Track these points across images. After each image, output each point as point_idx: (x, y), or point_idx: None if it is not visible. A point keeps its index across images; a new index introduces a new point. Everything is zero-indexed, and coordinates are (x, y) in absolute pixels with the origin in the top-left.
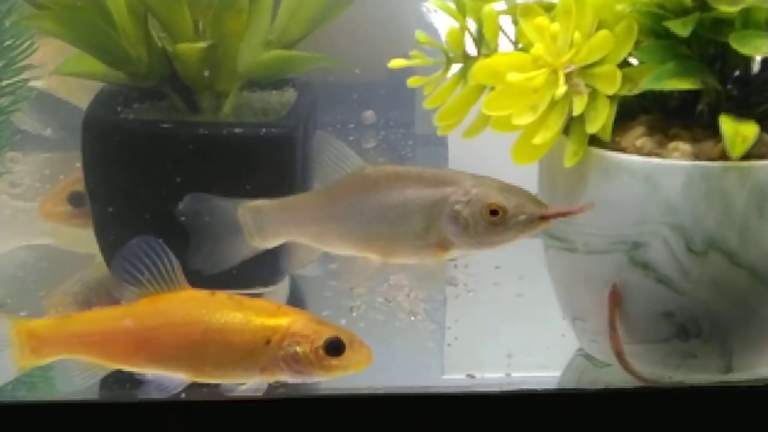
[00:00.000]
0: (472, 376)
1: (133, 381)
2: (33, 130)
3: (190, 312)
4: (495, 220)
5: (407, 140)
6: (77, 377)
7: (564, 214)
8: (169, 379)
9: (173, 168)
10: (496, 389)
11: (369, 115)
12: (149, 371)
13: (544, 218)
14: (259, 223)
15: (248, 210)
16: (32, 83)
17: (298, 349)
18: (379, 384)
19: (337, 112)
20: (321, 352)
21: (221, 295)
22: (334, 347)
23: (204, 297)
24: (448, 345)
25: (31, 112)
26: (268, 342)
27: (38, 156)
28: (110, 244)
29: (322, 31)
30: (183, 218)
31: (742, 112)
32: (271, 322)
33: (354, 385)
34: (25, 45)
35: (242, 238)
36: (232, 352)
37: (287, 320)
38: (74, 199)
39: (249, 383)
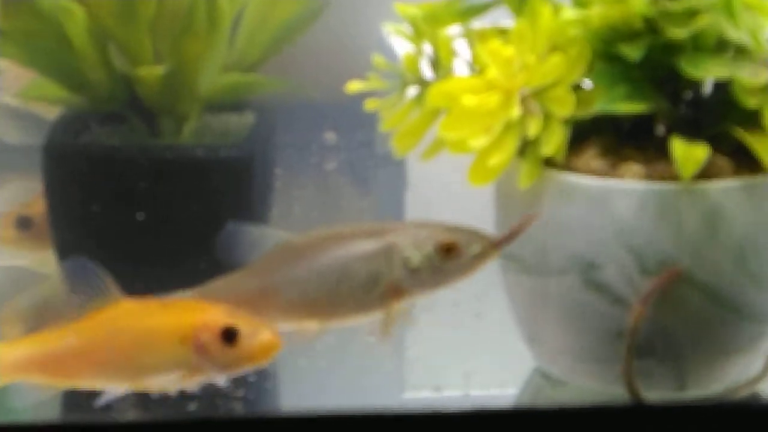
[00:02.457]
0: (438, 389)
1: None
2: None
3: (120, 323)
4: (448, 257)
5: (368, 161)
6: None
7: (512, 237)
8: (112, 390)
9: (133, 192)
10: (456, 408)
11: (330, 136)
12: (98, 386)
13: (495, 246)
14: None
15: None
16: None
17: (201, 340)
18: (339, 403)
19: (298, 134)
20: (219, 341)
21: (151, 302)
22: (228, 335)
23: (132, 306)
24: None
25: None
26: (184, 340)
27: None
28: None
29: (283, 54)
30: None
31: (693, 133)
32: (184, 319)
33: (319, 406)
34: None
35: None
36: (157, 355)
37: (198, 314)
38: (21, 223)
39: (178, 386)
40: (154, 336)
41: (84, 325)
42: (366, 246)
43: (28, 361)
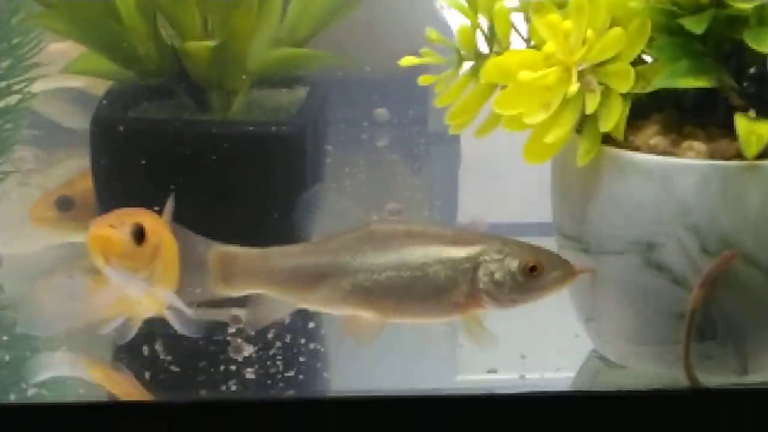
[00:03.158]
0: (494, 371)
1: None
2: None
3: None
4: (533, 276)
5: (420, 138)
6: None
7: (586, 270)
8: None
9: (181, 167)
10: (511, 391)
11: (381, 112)
12: None
13: (575, 273)
14: (227, 271)
15: (217, 255)
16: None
17: None
18: (393, 386)
19: (349, 110)
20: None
21: None
22: (137, 234)
23: None
24: (461, 346)
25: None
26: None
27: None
28: None
29: (335, 28)
30: None
31: (758, 109)
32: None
33: (369, 387)
34: (33, 43)
35: (207, 282)
36: None
37: None
38: (62, 204)
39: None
40: None
41: None
42: (451, 251)
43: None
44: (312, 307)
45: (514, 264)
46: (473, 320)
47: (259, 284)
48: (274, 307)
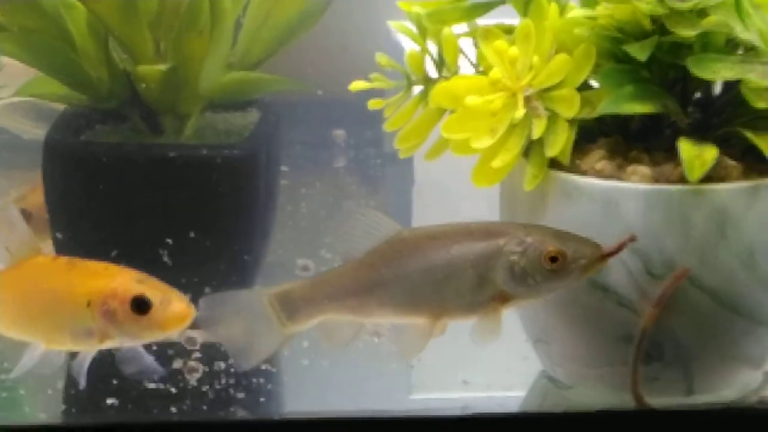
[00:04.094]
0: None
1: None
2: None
3: (33, 278)
4: (555, 267)
5: (376, 159)
6: None
7: (617, 251)
8: (29, 348)
9: (134, 191)
10: (460, 412)
11: (339, 134)
12: (16, 337)
13: (604, 258)
14: (290, 308)
15: (275, 297)
16: None
17: (110, 307)
18: (345, 406)
19: (307, 131)
20: (128, 309)
21: (60, 260)
22: (139, 305)
23: (45, 262)
24: (412, 366)
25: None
26: (88, 304)
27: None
28: None
29: (292, 51)
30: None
31: (702, 134)
32: (92, 282)
33: (321, 409)
34: None
35: (273, 326)
36: (59, 316)
37: (106, 280)
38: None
39: (82, 353)
40: (60, 297)
41: (9, 274)
42: (474, 247)
43: None
44: (374, 319)
45: (535, 254)
46: (494, 317)
47: (320, 312)
48: (347, 327)
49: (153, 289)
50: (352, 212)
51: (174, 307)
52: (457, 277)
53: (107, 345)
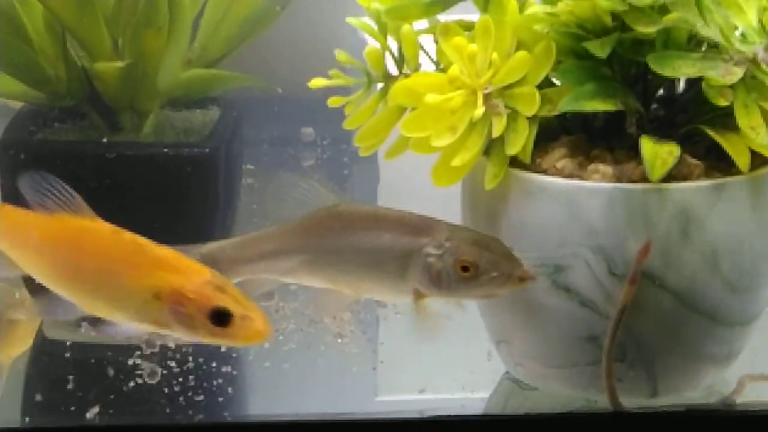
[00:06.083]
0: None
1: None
2: None
3: (89, 242)
4: (466, 276)
5: (342, 157)
6: None
7: (534, 278)
8: (68, 305)
9: (91, 189)
10: (424, 414)
11: (308, 132)
12: (50, 287)
13: (518, 277)
14: (218, 266)
15: (202, 256)
16: None
17: (184, 310)
18: (309, 408)
19: (274, 129)
20: (205, 318)
21: (127, 235)
22: (219, 317)
23: (106, 232)
24: (373, 369)
25: None
26: (157, 296)
27: None
28: None
29: (259, 48)
30: None
31: (665, 132)
32: (165, 275)
33: (285, 410)
34: None
35: None
36: (122, 298)
37: (181, 278)
38: None
39: (131, 328)
40: (127, 279)
41: (52, 224)
42: (399, 241)
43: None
44: (302, 282)
45: (449, 260)
46: (420, 309)
47: (248, 272)
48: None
49: (234, 301)
50: (292, 180)
51: (255, 326)
52: (380, 265)
53: (162, 331)
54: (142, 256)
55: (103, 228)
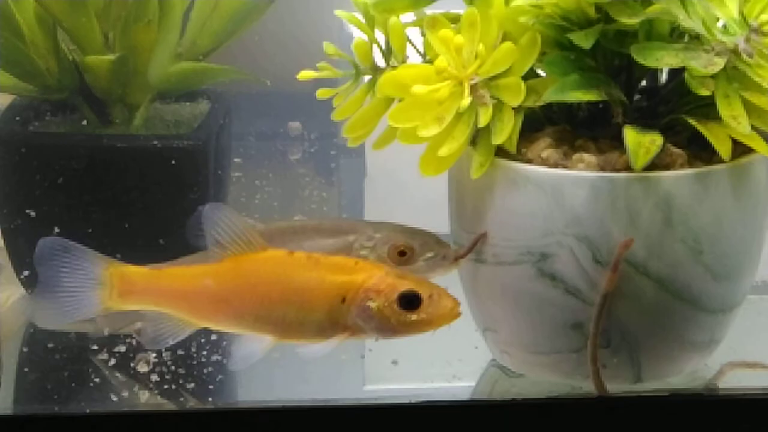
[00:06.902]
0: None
1: None
2: None
3: (268, 272)
4: (403, 261)
5: (329, 151)
6: (167, 334)
7: (470, 250)
8: (256, 340)
9: (82, 181)
10: (412, 400)
11: (295, 126)
12: (233, 330)
13: (452, 256)
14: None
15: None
16: None
17: (371, 304)
18: (299, 396)
19: (262, 123)
20: (396, 307)
21: (299, 255)
22: (408, 301)
23: (282, 257)
24: (362, 357)
25: None
26: (343, 300)
27: None
28: (20, 256)
29: (247, 42)
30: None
31: (649, 122)
32: (346, 278)
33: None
34: None
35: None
36: (310, 312)
37: (362, 276)
38: None
39: (327, 342)
40: (311, 293)
41: (226, 268)
42: (326, 243)
43: (165, 293)
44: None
45: (383, 250)
46: None
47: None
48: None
49: (417, 284)
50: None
51: (445, 302)
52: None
53: (354, 337)
54: (320, 268)
55: (279, 254)
